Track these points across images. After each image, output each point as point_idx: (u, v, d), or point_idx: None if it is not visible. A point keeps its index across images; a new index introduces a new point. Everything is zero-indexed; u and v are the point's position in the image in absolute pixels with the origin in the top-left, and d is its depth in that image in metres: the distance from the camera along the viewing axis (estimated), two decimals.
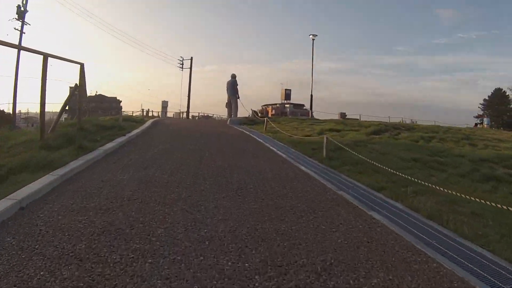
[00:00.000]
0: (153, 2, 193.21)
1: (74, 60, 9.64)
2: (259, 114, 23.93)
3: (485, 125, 34.84)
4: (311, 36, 30.60)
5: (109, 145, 7.88)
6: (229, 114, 18.90)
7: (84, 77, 10.92)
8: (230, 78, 18.69)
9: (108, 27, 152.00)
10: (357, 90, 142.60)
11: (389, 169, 6.31)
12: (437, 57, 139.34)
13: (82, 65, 9.75)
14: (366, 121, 20.62)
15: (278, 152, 8.71)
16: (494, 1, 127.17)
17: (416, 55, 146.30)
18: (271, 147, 9.37)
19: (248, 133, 12.60)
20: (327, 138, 8.15)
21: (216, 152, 7.89)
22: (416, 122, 44.27)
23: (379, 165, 6.53)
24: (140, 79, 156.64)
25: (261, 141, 10.60)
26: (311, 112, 29.93)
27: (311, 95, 30.29)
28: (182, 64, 47.97)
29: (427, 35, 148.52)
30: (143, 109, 37.28)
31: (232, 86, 18.36)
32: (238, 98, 18.63)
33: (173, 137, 10.03)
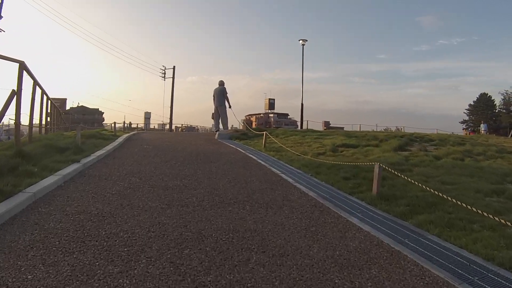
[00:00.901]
0: (133, 11, 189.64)
1: (11, 57, 6.89)
2: (252, 126, 21.19)
3: (482, 131, 32.91)
4: (301, 41, 28.22)
5: (45, 182, 5.10)
6: (216, 126, 16.23)
7: (33, 79, 8.17)
8: (217, 86, 16.10)
9: (86, 33, 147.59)
10: (340, 98, 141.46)
11: (496, 219, 3.71)
12: (419, 63, 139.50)
13: (21, 64, 6.94)
14: (371, 131, 18.18)
15: (299, 186, 6.09)
16: (474, 8, 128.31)
17: (398, 62, 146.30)
18: (284, 176, 6.77)
19: (244, 152, 9.95)
20: (379, 165, 5.44)
21: (209, 196, 5.20)
22: (402, 129, 42.41)
23: (473, 209, 3.90)
24: (123, 90, 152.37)
25: (266, 164, 7.97)
26: (302, 123, 27.56)
27: (302, 104, 27.72)
28: (165, 73, 45.30)
29: (408, 43, 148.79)
30: (124, 122, 34.30)
31: (221, 94, 15.78)
32: (230, 107, 16.02)
33: (146, 165, 7.28)
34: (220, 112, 15.94)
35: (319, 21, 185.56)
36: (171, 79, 43.98)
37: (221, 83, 16.16)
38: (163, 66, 44.96)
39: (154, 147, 10.03)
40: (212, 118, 16.38)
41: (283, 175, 6.76)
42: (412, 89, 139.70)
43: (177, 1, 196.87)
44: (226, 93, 15.95)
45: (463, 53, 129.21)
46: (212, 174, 6.57)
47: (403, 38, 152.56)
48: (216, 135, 13.95)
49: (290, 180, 6.42)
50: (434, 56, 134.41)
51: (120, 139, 11.51)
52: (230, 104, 16.02)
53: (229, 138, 13.61)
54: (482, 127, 33.41)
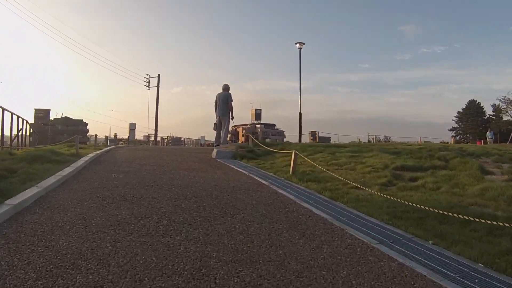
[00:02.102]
0: (115, 21, 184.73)
1: None
2: (239, 137, 17.55)
3: (489, 140, 30.05)
4: (297, 44, 24.74)
5: None
6: (217, 140, 12.74)
7: None
8: (221, 91, 12.77)
9: (69, 41, 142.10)
10: (324, 108, 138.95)
11: None
12: (401, 72, 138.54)
13: None
14: (405, 143, 14.87)
15: None
16: (455, 16, 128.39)
17: (381, 71, 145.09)
18: (407, 264, 3.21)
19: (267, 184, 6.45)
20: None
21: None
22: (389, 138, 39.64)
23: None
24: (107, 101, 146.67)
25: (334, 222, 4.42)
26: (300, 135, 24.03)
27: (300, 114, 24.00)
28: (149, 82, 41.26)
29: (391, 51, 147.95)
30: (109, 134, 30.52)
31: (225, 102, 12.39)
32: (232, 118, 12.58)
33: (96, 232, 3.65)
34: (222, 123, 12.45)
35: (302, 31, 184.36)
36: (156, 88, 40.06)
37: (226, 88, 12.73)
38: (147, 74, 41.03)
39: (126, 177, 6.40)
40: (214, 129, 12.86)
41: (405, 262, 3.19)
42: (395, 98, 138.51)
43: (158, 12, 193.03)
44: (231, 101, 12.52)
45: (445, 61, 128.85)
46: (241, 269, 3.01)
47: (386, 47, 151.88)
48: (214, 153, 10.34)
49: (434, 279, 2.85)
50: (416, 64, 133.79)
51: (80, 162, 7.84)
52: (233, 115, 12.62)
53: (232, 156, 10.04)
54: (489, 135, 30.53)
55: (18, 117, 13.79)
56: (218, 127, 12.71)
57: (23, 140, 16.99)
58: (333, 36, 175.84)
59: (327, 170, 6.89)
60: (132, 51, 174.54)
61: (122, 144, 34.49)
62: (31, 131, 19.60)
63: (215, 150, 10.39)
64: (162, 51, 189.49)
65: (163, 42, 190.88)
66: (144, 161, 8.77)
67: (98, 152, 10.49)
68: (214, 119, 12.67)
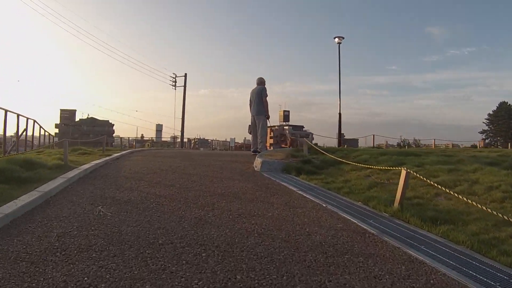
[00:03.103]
0: (143, 23, 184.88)
1: None
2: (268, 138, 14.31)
3: None
4: (336, 39, 21.31)
5: None
6: (254, 145, 9.81)
7: None
8: (255, 86, 10.04)
9: (96, 41, 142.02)
10: (352, 110, 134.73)
11: None
12: (429, 74, 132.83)
13: None
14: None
15: None
16: (483, 17, 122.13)
17: (408, 73, 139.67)
18: None
19: (370, 230, 3.52)
20: None
21: None
22: (419, 141, 35.93)
23: None
24: (134, 103, 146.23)
25: None
26: (340, 138, 20.72)
27: (340, 114, 20.67)
28: (175, 82, 38.49)
29: (419, 53, 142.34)
30: (136, 136, 27.97)
31: (259, 97, 9.62)
32: (268, 117, 9.66)
33: None
34: (257, 123, 9.63)
35: (330, 33, 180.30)
36: (183, 87, 37.31)
37: (260, 82, 9.99)
38: (174, 73, 38.29)
39: (118, 217, 3.46)
40: (249, 132, 10.01)
41: None
42: (423, 100, 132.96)
43: (187, 14, 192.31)
44: (266, 95, 9.67)
45: (473, 62, 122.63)
46: None
47: (413, 49, 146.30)
48: (257, 163, 7.29)
49: None
50: (444, 66, 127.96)
51: (60, 180, 4.97)
52: (268, 113, 9.74)
53: (284, 169, 6.97)
54: None
55: (19, 115, 11.21)
56: (253, 128, 9.83)
57: (32, 141, 14.51)
58: (360, 38, 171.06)
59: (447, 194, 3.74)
60: (160, 54, 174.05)
61: (147, 146, 31.92)
62: (44, 132, 16.99)
63: (258, 160, 7.32)
64: (189, 52, 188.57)
65: (192, 43, 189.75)
66: (159, 178, 5.83)
67: (101, 160, 7.65)
68: (243, 121, 9.82)
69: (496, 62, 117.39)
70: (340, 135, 20.86)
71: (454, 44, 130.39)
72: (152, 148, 18.59)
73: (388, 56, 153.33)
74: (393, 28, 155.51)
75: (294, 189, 5.35)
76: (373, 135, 24.64)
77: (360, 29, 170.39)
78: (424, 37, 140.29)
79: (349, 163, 6.87)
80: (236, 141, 44.98)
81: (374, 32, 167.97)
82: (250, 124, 9.93)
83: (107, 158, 8.28)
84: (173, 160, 8.45)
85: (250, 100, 9.86)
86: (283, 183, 5.76)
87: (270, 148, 12.98)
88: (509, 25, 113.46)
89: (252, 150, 9.98)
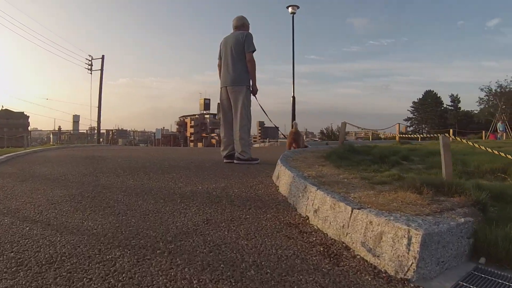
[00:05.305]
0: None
1: None
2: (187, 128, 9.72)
3: (500, 133, 24.52)
4: (289, 8, 17.17)
5: None
6: (227, 143, 5.34)
7: None
8: (232, 31, 5.48)
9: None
10: (273, 99, 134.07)
11: None
12: (349, 64, 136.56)
13: None
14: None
15: None
16: (402, 10, 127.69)
17: (328, 63, 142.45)
18: None
19: None
20: None
21: None
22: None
23: None
24: (49, 94, 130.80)
25: None
26: (294, 119, 15.76)
27: (293, 97, 16.50)
28: (91, 65, 31.79)
29: (339, 44, 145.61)
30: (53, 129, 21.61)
31: (239, 52, 5.14)
32: (254, 91, 5.37)
33: None
34: (233, 102, 5.25)
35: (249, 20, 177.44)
36: (99, 71, 30.90)
37: (242, 24, 5.47)
38: (90, 55, 31.47)
39: None
40: (217, 118, 6.10)
41: None
42: (343, 89, 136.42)
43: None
44: (252, 49, 5.19)
45: (392, 53, 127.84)
46: None
47: (333, 39, 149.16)
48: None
49: None
50: (363, 57, 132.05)
51: None
52: (256, 84, 5.42)
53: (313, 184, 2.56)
54: (500, 127, 25.00)
55: None
56: (224, 112, 5.38)
57: None
58: (279, 26, 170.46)
59: None
60: (77, 36, 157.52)
61: (50, 144, 25.43)
62: None
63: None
64: (108, 37, 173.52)
65: (110, 28, 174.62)
66: None
67: None
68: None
69: (414, 52, 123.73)
70: (294, 115, 15.83)
71: (374, 36, 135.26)
72: (53, 147, 12.89)
73: (306, 46, 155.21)
74: (314, 19, 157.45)
75: None
76: (295, 123, 20.65)
77: (276, 18, 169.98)
78: (345, 28, 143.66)
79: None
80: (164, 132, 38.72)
81: (291, 20, 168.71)
82: (219, 102, 5.39)
83: None
84: (87, 163, 3.52)
85: (220, 57, 5.44)
86: None
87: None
88: (426, 19, 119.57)
89: (224, 154, 5.44)
